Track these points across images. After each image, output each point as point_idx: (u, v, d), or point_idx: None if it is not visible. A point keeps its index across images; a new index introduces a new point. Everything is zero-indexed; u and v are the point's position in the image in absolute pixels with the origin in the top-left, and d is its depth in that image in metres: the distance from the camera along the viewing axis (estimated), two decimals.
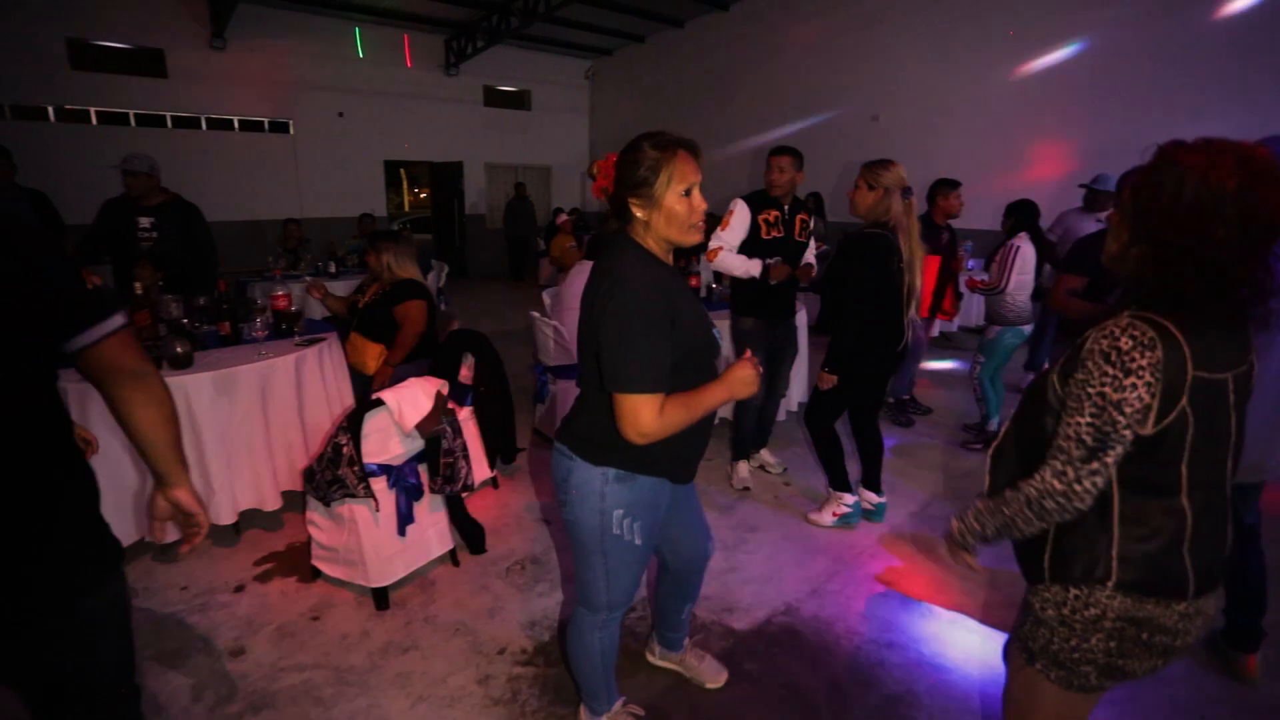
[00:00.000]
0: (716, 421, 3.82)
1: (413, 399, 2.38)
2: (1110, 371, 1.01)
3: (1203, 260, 0.98)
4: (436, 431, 2.50)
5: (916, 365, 4.49)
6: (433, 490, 2.54)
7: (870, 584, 2.60)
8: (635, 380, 1.32)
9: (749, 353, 1.52)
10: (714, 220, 3.08)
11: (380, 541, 2.43)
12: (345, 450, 2.27)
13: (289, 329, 3.22)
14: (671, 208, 1.37)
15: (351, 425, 2.29)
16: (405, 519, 2.48)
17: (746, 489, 3.39)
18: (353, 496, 2.34)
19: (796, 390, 4.37)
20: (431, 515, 2.64)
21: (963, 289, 4.99)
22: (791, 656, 2.20)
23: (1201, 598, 1.11)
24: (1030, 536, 1.18)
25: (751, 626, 2.34)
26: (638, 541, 1.54)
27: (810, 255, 3.27)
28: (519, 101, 13.07)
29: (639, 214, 1.40)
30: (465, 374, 3.38)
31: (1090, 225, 4.23)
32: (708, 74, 10.87)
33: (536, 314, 3.93)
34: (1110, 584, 1.10)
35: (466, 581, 2.64)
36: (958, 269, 6.49)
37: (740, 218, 2.93)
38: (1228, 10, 5.73)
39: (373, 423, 2.34)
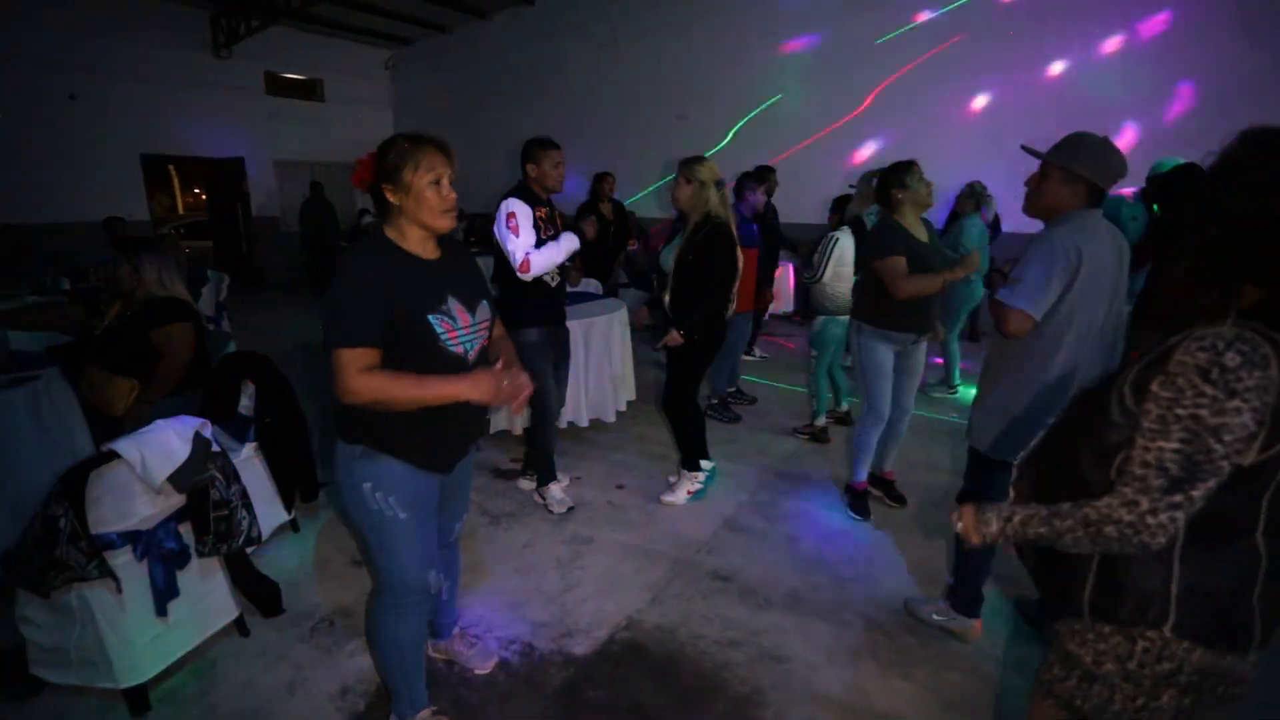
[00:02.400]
0: (497, 431, 3.65)
1: (161, 445, 1.91)
2: (1209, 392, 0.85)
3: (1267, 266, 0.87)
4: (201, 481, 2.04)
5: (737, 359, 4.64)
6: (201, 553, 2.08)
7: (709, 581, 2.59)
8: (334, 333, 1.40)
9: (500, 365, 1.55)
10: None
11: (130, 629, 1.94)
12: (63, 524, 1.76)
13: None
14: (421, 192, 1.46)
15: (69, 489, 1.78)
16: (166, 594, 2.00)
17: (571, 508, 3.15)
18: (82, 579, 1.83)
19: (626, 391, 4.33)
20: (205, 582, 2.18)
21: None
22: (637, 674, 2.09)
23: (1261, 649, 0.98)
24: (1068, 561, 1.03)
25: (593, 649, 2.20)
26: (401, 515, 1.56)
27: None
28: (309, 91, 11.79)
29: (393, 199, 1.48)
30: (246, 405, 2.87)
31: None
32: (517, 68, 10.55)
33: None
34: (1166, 628, 0.95)
35: (259, 654, 2.21)
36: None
37: (527, 217, 2.76)
38: None
39: (104, 482, 1.84)
